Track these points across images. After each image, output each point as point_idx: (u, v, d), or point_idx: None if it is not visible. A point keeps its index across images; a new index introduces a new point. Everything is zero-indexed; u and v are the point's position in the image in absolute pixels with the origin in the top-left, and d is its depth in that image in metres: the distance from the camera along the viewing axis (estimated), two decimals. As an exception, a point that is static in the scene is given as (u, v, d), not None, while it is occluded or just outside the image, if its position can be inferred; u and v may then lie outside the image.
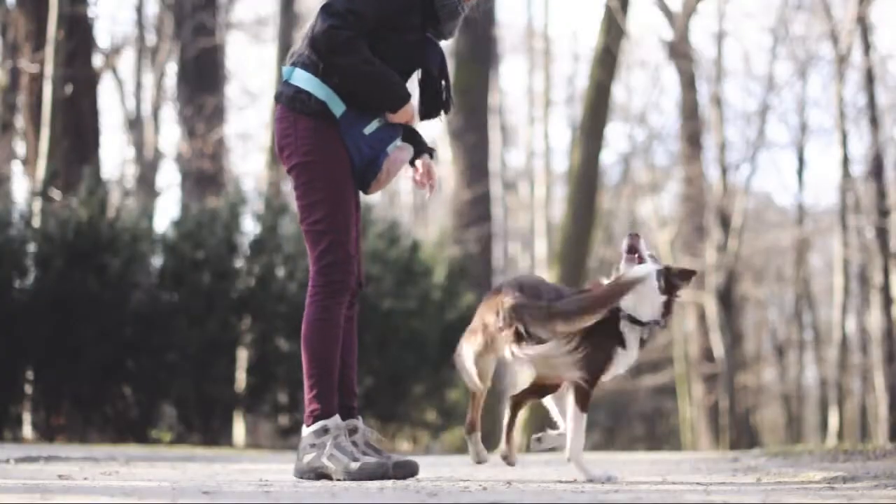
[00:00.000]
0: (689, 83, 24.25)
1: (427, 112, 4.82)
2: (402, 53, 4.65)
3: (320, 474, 4.50)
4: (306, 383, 4.60)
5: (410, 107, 4.65)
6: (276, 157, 4.70)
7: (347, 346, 4.73)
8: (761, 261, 27.99)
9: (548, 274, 18.95)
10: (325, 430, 4.53)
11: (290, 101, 4.59)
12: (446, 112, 4.83)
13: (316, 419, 4.55)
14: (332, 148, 4.58)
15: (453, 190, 20.12)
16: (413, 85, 4.80)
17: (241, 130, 27.05)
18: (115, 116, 37.27)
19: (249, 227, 12.86)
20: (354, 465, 4.44)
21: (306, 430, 4.57)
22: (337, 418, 4.56)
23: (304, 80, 4.58)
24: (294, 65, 4.63)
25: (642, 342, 4.50)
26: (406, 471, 4.53)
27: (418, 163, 4.83)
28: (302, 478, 4.53)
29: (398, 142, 4.71)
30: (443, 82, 4.78)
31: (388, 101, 4.61)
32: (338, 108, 4.56)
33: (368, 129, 4.61)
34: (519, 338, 4.28)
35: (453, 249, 16.02)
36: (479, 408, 4.68)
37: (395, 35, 4.60)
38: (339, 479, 4.43)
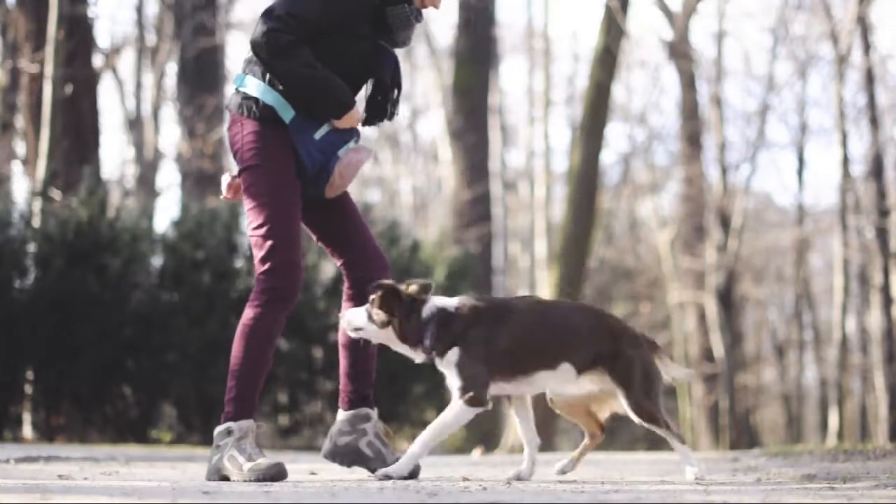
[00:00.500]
0: (689, 83, 24.25)
1: (371, 118, 4.77)
2: (353, 60, 4.60)
3: (222, 476, 4.48)
4: (228, 384, 4.57)
5: (355, 112, 4.60)
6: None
7: None
8: (761, 261, 27.99)
9: (548, 274, 18.99)
10: (228, 432, 4.50)
11: (238, 108, 4.58)
12: (390, 119, 4.78)
13: (225, 420, 4.54)
14: (278, 153, 4.53)
15: (453, 190, 20.13)
16: (362, 92, 4.76)
17: (241, 130, 27.07)
18: (115, 116, 37.31)
19: (249, 227, 12.85)
20: (247, 465, 4.40)
21: (216, 430, 4.57)
22: (247, 422, 4.51)
23: (253, 86, 4.55)
24: (244, 72, 4.60)
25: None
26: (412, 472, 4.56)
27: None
28: (209, 479, 4.50)
29: (352, 144, 4.66)
30: (395, 91, 4.73)
31: (330, 106, 4.55)
32: (287, 113, 4.53)
33: (318, 134, 4.57)
34: None
35: (453, 249, 16.01)
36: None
37: (344, 40, 4.56)
38: (236, 481, 4.40)
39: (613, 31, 17.46)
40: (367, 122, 4.78)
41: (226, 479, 4.46)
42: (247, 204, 4.59)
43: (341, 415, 4.79)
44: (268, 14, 4.45)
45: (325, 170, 4.59)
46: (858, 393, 23.61)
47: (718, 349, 22.24)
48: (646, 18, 44.76)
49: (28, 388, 11.60)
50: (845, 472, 4.84)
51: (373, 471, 4.60)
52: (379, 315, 4.45)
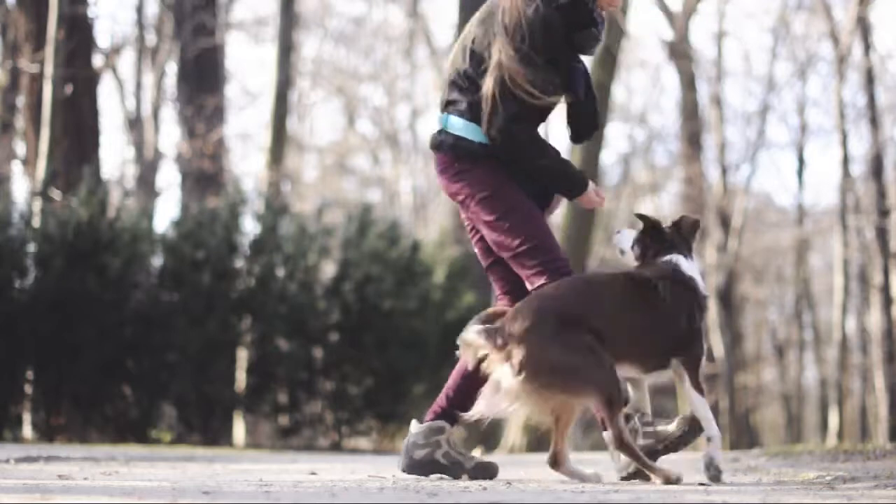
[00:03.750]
0: (689, 83, 24.26)
1: (576, 135, 4.92)
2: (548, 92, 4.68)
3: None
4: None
5: (591, 190, 4.72)
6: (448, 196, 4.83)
7: None
8: (761, 261, 28.00)
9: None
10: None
11: (452, 149, 4.66)
12: (598, 128, 4.92)
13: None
14: (503, 177, 4.63)
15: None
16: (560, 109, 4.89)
17: (241, 130, 27.13)
18: (115, 116, 37.36)
19: (249, 227, 12.86)
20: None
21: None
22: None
23: (462, 126, 4.63)
24: (453, 113, 4.67)
25: None
26: (487, 473, 4.70)
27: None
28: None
29: None
30: (593, 102, 4.86)
31: (567, 189, 4.71)
32: None
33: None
34: None
35: (453, 249, 16.00)
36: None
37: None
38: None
39: (613, 31, 17.42)
40: (576, 139, 4.94)
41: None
42: (500, 233, 4.61)
43: (415, 427, 4.76)
44: (502, 94, 4.50)
45: (545, 194, 4.75)
46: (858, 393, 23.61)
47: (718, 349, 22.24)
48: (646, 18, 44.77)
49: (28, 388, 11.60)
50: (845, 472, 4.84)
51: (454, 478, 4.69)
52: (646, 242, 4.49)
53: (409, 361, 12.79)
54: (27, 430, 11.54)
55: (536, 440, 15.81)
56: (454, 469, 4.68)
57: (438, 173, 4.74)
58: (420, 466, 4.67)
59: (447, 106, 4.70)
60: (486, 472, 4.70)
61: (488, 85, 4.52)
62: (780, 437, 28.38)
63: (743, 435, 23.00)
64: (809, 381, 29.58)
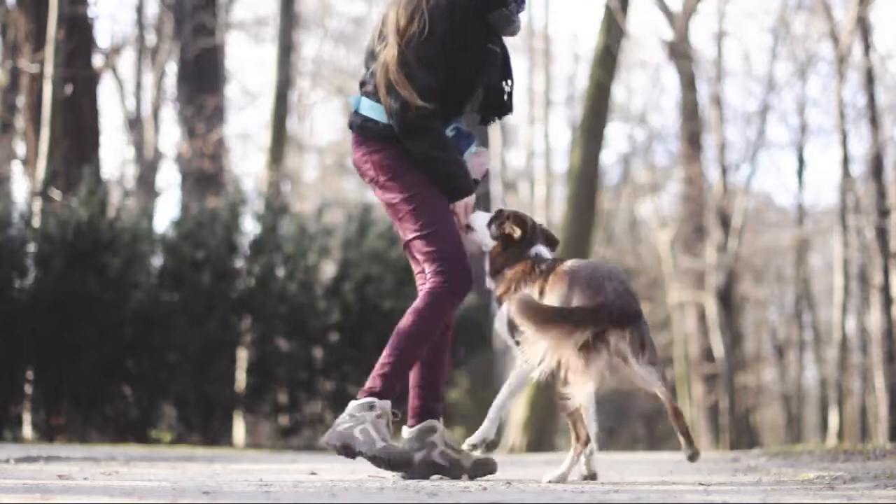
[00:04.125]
0: (689, 83, 24.25)
1: (486, 117, 4.90)
2: (464, 74, 4.68)
3: (346, 444, 4.46)
4: (382, 360, 4.59)
5: (470, 200, 4.68)
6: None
7: (442, 353, 4.79)
8: (761, 261, 28.00)
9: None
10: (370, 407, 4.50)
11: (361, 129, 4.67)
12: (510, 112, 4.89)
13: (369, 394, 4.54)
14: (409, 163, 4.62)
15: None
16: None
17: (241, 130, 27.09)
18: (115, 116, 37.35)
19: (249, 227, 12.86)
20: (380, 444, 4.42)
21: (354, 403, 4.55)
22: (388, 403, 4.54)
23: (371, 108, 4.64)
24: (364, 94, 4.68)
25: None
26: (483, 469, 4.64)
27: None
28: (329, 443, 4.51)
29: (474, 147, 4.81)
30: (509, 83, 4.84)
31: (449, 189, 4.67)
32: None
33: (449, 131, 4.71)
34: None
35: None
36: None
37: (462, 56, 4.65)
38: (359, 452, 4.43)
39: (613, 31, 17.44)
40: (483, 121, 4.92)
41: (349, 448, 4.45)
42: (398, 216, 4.64)
43: (407, 432, 4.72)
44: (405, 70, 4.50)
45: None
46: (858, 393, 23.60)
47: (718, 349, 22.24)
48: (646, 18, 44.76)
49: (28, 388, 11.61)
50: (845, 472, 4.84)
51: (453, 478, 4.63)
52: (506, 229, 4.58)
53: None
54: (27, 430, 11.54)
55: (536, 440, 15.84)
56: (453, 468, 4.66)
57: (353, 153, 4.75)
58: (418, 471, 4.64)
59: (361, 87, 4.73)
60: (485, 468, 4.67)
61: (380, 74, 4.56)
62: (780, 437, 28.39)
63: (743, 435, 22.99)
64: (809, 381, 29.59)
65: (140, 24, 20.37)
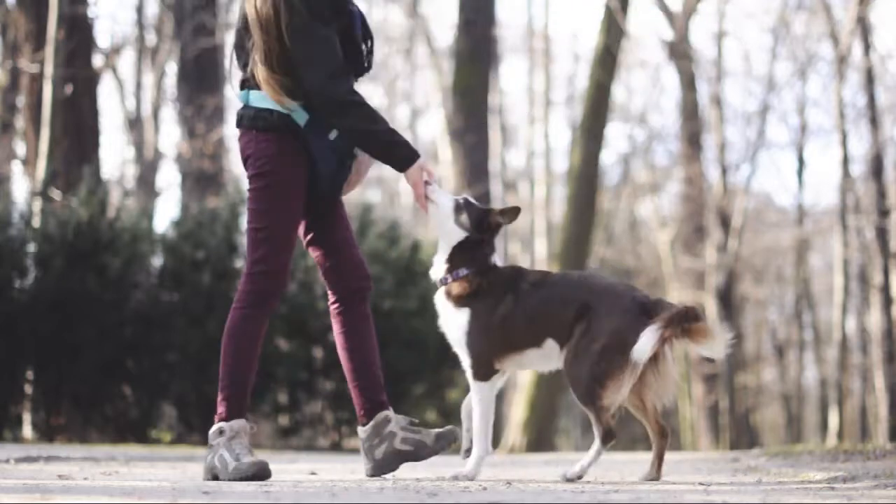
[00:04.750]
0: (689, 83, 24.25)
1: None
2: (352, 40, 4.62)
3: (213, 475, 4.53)
4: (219, 385, 4.62)
5: (419, 165, 4.58)
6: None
7: (368, 344, 4.86)
8: (761, 261, 28.00)
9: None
10: (220, 432, 4.55)
11: (252, 121, 4.59)
12: (368, 70, 4.76)
13: (218, 420, 4.59)
14: (290, 161, 4.56)
15: (453, 190, 20.11)
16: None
17: (241, 130, 27.04)
18: (115, 116, 37.35)
19: (249, 227, 12.84)
20: (232, 465, 4.45)
21: (210, 431, 4.61)
22: (239, 422, 4.56)
23: (259, 99, 4.57)
24: (249, 88, 4.60)
25: None
26: (446, 440, 4.70)
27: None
28: (204, 479, 4.56)
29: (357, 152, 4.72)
30: (368, 42, 4.72)
31: (393, 161, 4.60)
32: (301, 117, 4.56)
33: (333, 134, 4.58)
34: None
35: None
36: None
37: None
38: (223, 480, 4.45)
39: (613, 31, 17.44)
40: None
41: (216, 477, 4.51)
42: (252, 203, 4.62)
43: (362, 432, 4.76)
44: (302, 42, 4.44)
45: (342, 168, 4.63)
46: (858, 393, 23.61)
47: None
48: (646, 18, 44.74)
49: (28, 388, 11.61)
50: (845, 472, 4.84)
51: (421, 459, 4.69)
52: (473, 218, 4.53)
53: (409, 361, 12.79)
54: (27, 430, 11.54)
55: (536, 440, 15.84)
56: (419, 450, 4.68)
57: (240, 139, 4.67)
58: (386, 464, 4.67)
59: (243, 84, 4.63)
60: (449, 436, 4.70)
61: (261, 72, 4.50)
62: (780, 437, 28.39)
63: (743, 435, 23.00)
64: (809, 381, 29.60)
65: (140, 24, 20.38)
